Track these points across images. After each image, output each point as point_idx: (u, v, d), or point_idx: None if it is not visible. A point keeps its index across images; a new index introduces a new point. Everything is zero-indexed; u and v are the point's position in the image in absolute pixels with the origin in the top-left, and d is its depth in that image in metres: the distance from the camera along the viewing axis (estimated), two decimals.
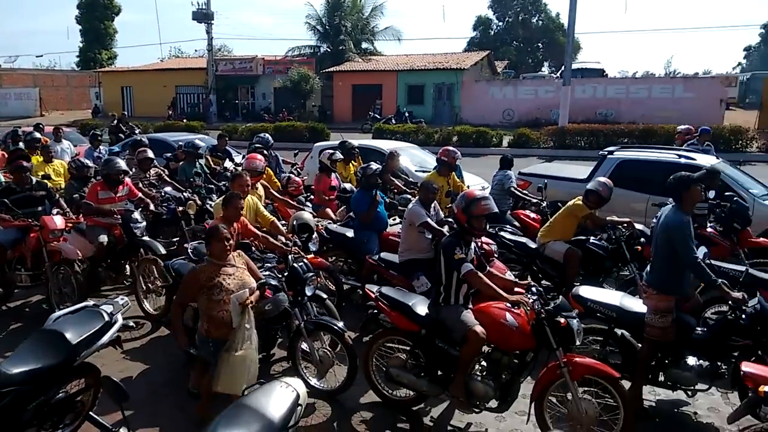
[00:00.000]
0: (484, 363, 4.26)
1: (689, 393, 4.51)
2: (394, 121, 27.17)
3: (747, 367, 3.46)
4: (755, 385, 3.29)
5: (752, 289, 4.77)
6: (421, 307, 4.47)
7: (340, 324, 4.63)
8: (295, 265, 4.79)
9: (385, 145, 11.23)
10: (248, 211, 5.54)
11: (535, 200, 8.10)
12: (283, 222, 6.52)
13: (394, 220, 7.23)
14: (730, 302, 4.29)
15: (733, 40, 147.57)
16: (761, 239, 6.58)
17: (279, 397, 3.04)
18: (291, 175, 8.99)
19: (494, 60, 40.67)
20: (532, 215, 7.99)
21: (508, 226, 7.37)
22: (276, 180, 8.64)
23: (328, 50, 39.01)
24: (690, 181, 4.35)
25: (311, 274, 4.80)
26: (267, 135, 10.51)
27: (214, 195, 8.05)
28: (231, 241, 4.08)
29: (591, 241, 6.35)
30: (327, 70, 35.43)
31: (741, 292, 4.32)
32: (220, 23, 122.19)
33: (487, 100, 30.36)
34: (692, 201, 4.39)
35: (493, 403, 4.16)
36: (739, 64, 62.66)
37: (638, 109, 25.89)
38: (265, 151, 8.96)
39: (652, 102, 26.43)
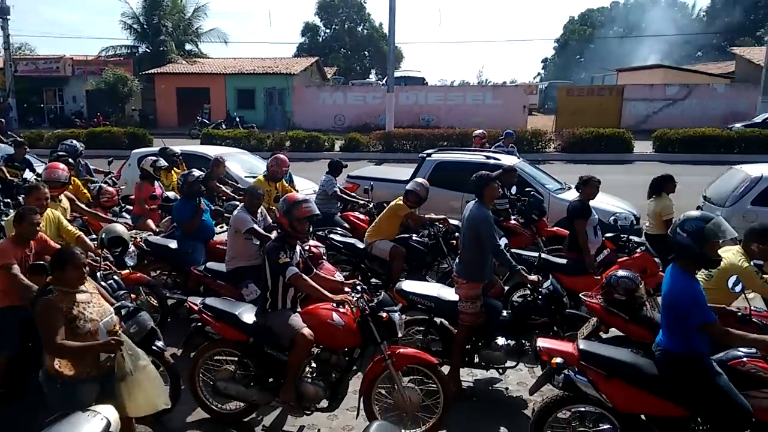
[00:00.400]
0: (314, 365, 4.30)
1: (500, 371, 4.98)
2: (224, 126, 26.25)
3: (542, 342, 3.89)
4: (549, 358, 3.71)
5: (547, 273, 5.42)
6: (248, 315, 4.38)
7: (160, 343, 4.34)
8: (103, 283, 4.41)
9: (212, 151, 10.80)
10: (48, 226, 4.97)
11: (362, 202, 8.36)
12: (94, 236, 5.96)
13: (222, 227, 6.99)
14: (528, 285, 4.83)
15: (533, 53, 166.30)
16: (556, 228, 7.48)
17: (85, 428, 2.80)
18: (103, 185, 8.25)
19: (323, 66, 41.31)
20: (361, 216, 8.24)
21: (338, 228, 7.53)
22: (85, 191, 7.88)
23: (148, 51, 36.58)
24: (488, 179, 4.82)
25: (123, 291, 4.46)
26: (75, 142, 9.55)
27: (11, 210, 7.10)
28: (87, 268, 3.60)
29: (413, 238, 6.73)
30: (147, 71, 33.19)
31: (537, 275, 4.86)
32: (18, 19, 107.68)
33: (319, 106, 30.71)
34: (491, 196, 4.88)
35: (324, 403, 4.22)
36: (539, 74, 70.82)
37: (455, 115, 28.03)
38: (72, 160, 8.12)
39: (466, 108, 28.78)
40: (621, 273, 4.57)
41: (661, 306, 3.58)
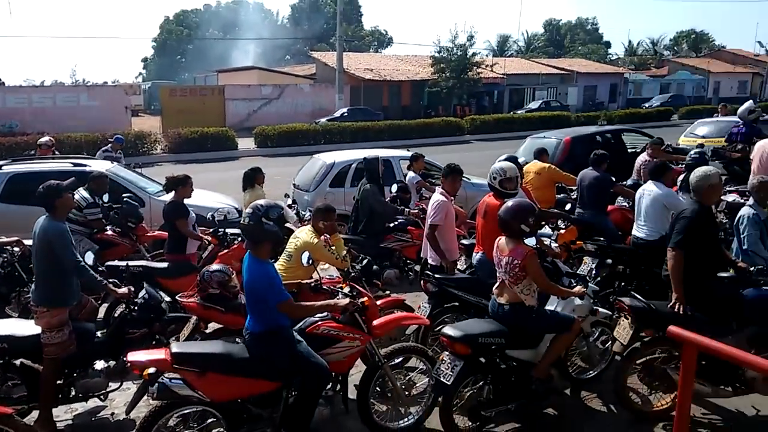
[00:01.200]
0: None
1: (102, 397, 4.52)
2: None
3: (132, 356, 3.61)
4: (141, 371, 3.51)
5: (150, 280, 5.20)
6: None
7: None
8: None
9: None
10: None
11: None
12: None
13: None
14: (121, 299, 4.51)
15: (133, 52, 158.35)
16: (157, 232, 7.18)
17: None
18: None
19: None
20: None
21: None
22: None
23: None
24: (60, 189, 4.28)
25: None
26: None
27: None
28: None
29: None
30: None
31: (128, 287, 4.55)
32: None
33: None
34: (66, 207, 4.38)
35: None
36: (140, 74, 67.89)
37: (46, 119, 24.73)
38: None
39: (58, 111, 25.72)
40: (213, 267, 4.68)
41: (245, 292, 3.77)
